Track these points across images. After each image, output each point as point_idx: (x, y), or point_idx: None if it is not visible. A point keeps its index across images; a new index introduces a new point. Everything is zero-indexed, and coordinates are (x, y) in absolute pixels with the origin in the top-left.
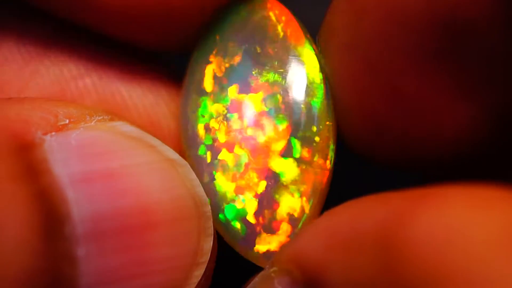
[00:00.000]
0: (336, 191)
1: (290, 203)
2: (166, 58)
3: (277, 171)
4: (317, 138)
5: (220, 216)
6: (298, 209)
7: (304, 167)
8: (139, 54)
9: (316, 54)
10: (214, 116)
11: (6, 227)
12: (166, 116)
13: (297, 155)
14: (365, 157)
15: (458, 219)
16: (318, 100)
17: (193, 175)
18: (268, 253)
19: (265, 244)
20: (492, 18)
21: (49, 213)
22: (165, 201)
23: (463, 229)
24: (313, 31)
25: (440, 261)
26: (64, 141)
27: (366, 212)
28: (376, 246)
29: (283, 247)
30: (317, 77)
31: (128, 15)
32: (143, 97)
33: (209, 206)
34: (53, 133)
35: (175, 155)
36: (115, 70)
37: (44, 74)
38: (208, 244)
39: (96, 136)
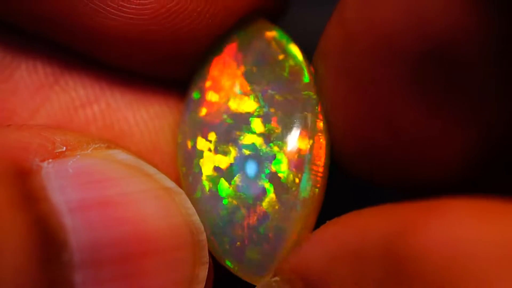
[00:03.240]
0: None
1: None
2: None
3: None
4: (314, 167)
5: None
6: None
7: (299, 194)
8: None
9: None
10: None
11: (3, 253)
12: (169, 142)
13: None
14: (357, 178)
15: (465, 230)
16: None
17: (189, 204)
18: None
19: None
20: (482, 47)
21: (47, 240)
22: (161, 229)
23: (470, 240)
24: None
25: (448, 272)
26: (61, 169)
27: (372, 224)
28: (383, 258)
29: (285, 256)
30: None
31: (134, 46)
32: (149, 122)
33: (205, 235)
34: (50, 160)
35: (171, 184)
36: (123, 95)
37: (54, 101)
38: (203, 272)
39: (92, 164)
